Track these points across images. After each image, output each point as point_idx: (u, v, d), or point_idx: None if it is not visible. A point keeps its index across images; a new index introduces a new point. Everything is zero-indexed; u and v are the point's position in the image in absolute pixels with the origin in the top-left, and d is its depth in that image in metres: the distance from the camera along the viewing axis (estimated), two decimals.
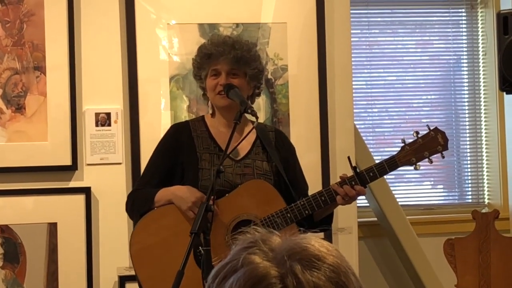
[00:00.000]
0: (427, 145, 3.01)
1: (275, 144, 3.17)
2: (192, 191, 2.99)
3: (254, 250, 1.08)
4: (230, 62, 3.07)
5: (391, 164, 2.99)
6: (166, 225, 3.03)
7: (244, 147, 3.12)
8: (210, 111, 3.19)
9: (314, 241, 1.10)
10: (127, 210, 3.15)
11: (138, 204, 3.08)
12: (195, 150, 3.09)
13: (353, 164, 2.98)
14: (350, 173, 3.02)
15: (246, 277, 1.04)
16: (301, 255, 1.06)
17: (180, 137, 3.13)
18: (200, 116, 3.28)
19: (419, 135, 3.01)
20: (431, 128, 3.03)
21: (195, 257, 2.93)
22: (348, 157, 2.99)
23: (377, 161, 3.16)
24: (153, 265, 3.00)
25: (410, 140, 3.02)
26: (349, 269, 1.08)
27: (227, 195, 3.02)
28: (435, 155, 3.02)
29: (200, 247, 2.93)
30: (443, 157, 3.03)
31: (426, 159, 3.01)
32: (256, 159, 3.10)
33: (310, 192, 3.10)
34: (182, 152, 3.10)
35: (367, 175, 2.97)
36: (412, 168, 3.05)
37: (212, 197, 2.72)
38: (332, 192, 2.98)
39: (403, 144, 3.01)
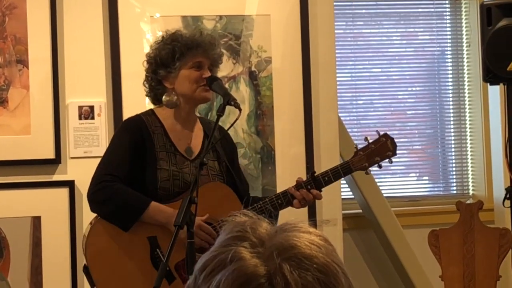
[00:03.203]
0: (379, 151, 3.08)
1: (220, 141, 3.12)
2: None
3: (243, 244, 1.07)
4: (213, 58, 3.07)
5: (345, 169, 3.06)
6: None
7: (195, 145, 3.10)
8: (164, 104, 3.07)
9: (305, 236, 1.09)
10: (93, 199, 2.98)
11: (118, 206, 2.95)
12: (153, 148, 3.02)
13: (313, 169, 3.07)
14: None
15: (234, 276, 1.03)
16: (290, 253, 1.06)
17: (141, 132, 3.03)
18: (148, 110, 3.18)
19: (370, 141, 3.07)
20: (381, 134, 3.10)
21: (152, 258, 2.93)
22: (307, 162, 3.04)
23: None
24: (109, 268, 2.97)
25: (362, 146, 3.09)
26: (339, 267, 1.08)
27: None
28: (385, 160, 3.10)
29: (157, 250, 2.93)
30: (391, 162, 3.12)
31: (376, 165, 3.09)
32: (208, 159, 2.99)
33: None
34: (143, 148, 3.02)
35: (322, 179, 3.03)
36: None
37: (196, 189, 2.71)
38: (289, 196, 3.00)
39: (355, 150, 3.08)
